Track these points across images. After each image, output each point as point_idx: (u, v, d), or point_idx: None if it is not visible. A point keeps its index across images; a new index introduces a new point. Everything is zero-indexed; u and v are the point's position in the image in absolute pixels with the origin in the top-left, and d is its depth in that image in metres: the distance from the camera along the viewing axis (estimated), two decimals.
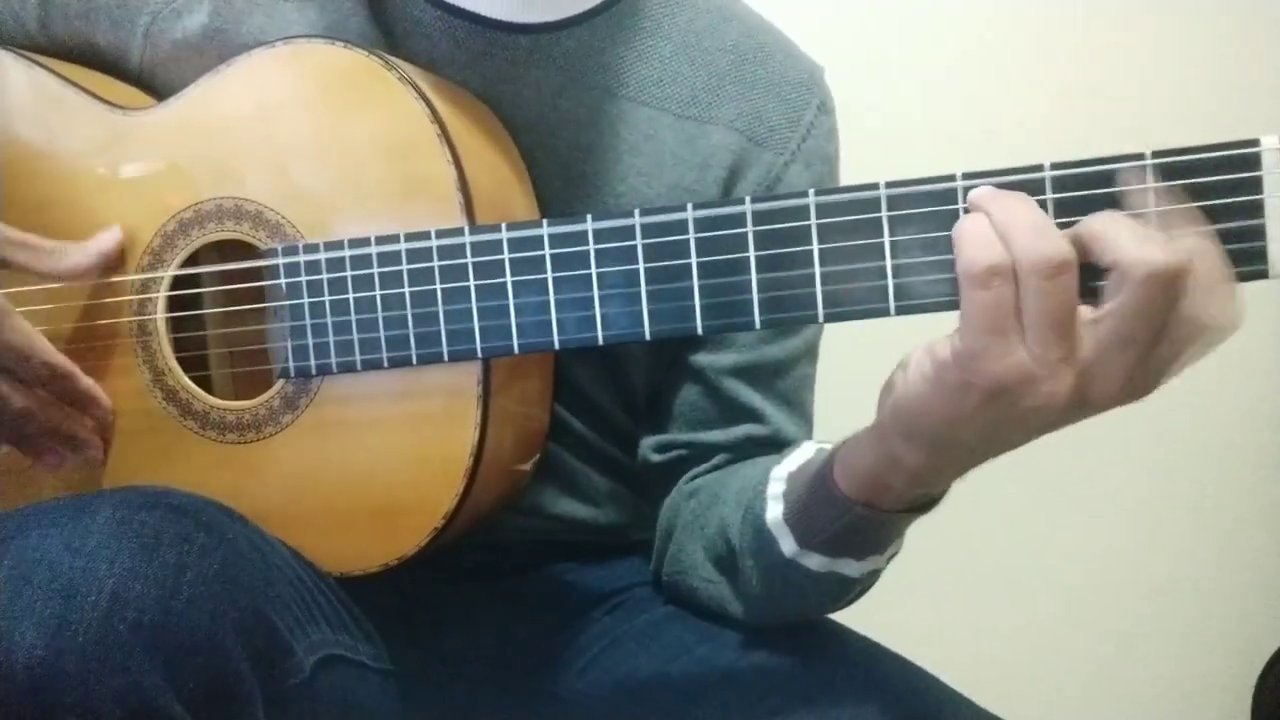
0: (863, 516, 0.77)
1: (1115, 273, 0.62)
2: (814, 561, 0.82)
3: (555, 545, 1.02)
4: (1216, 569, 1.68)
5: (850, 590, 0.85)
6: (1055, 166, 0.65)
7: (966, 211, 0.67)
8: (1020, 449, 0.70)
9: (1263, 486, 1.67)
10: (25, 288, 0.89)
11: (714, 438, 0.97)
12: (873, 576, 0.85)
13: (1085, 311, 0.64)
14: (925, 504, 0.78)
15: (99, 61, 0.97)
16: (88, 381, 0.86)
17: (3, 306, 0.79)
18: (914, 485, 0.74)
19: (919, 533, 0.81)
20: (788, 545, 0.82)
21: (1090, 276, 0.64)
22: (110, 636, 0.62)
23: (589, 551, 1.04)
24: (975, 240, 0.64)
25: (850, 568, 0.82)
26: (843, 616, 0.93)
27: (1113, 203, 0.65)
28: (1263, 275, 0.64)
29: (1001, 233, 0.64)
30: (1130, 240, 0.62)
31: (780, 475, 0.85)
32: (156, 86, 0.95)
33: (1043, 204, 0.65)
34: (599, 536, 1.03)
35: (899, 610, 1.04)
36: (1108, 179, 0.65)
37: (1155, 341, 0.63)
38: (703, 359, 0.96)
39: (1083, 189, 0.65)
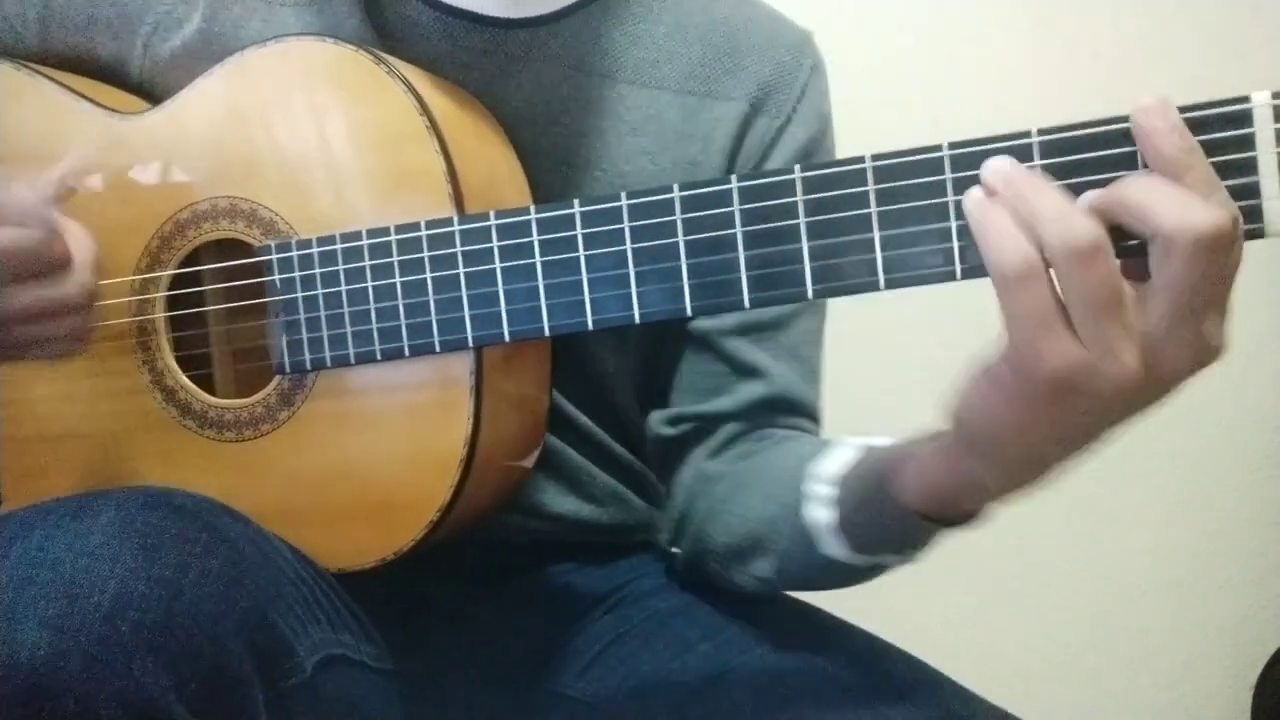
0: (926, 527, 0.76)
1: (1158, 243, 0.59)
2: (860, 560, 0.82)
3: (557, 545, 1.02)
4: (1216, 569, 1.67)
5: (881, 573, 0.84)
6: (1042, 132, 0.64)
7: (974, 184, 0.64)
8: None
9: (1263, 486, 1.67)
10: None
11: (722, 405, 0.96)
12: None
13: (1126, 286, 0.60)
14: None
15: (99, 72, 0.98)
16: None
17: None
18: (991, 501, 0.73)
19: None
20: (840, 551, 0.81)
21: (1123, 238, 0.61)
22: (113, 637, 0.62)
23: (591, 551, 1.04)
24: (1001, 240, 0.61)
25: (891, 560, 0.82)
26: (845, 614, 0.94)
27: (1100, 166, 0.63)
28: (1259, 235, 0.62)
29: (1025, 224, 0.61)
30: (1170, 207, 0.59)
31: (822, 476, 0.82)
32: (156, 94, 0.96)
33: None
34: (602, 536, 1.03)
35: (897, 606, 1.04)
36: (1094, 142, 0.64)
37: (1216, 301, 0.60)
38: (704, 323, 0.97)
39: (1071, 153, 0.64)
